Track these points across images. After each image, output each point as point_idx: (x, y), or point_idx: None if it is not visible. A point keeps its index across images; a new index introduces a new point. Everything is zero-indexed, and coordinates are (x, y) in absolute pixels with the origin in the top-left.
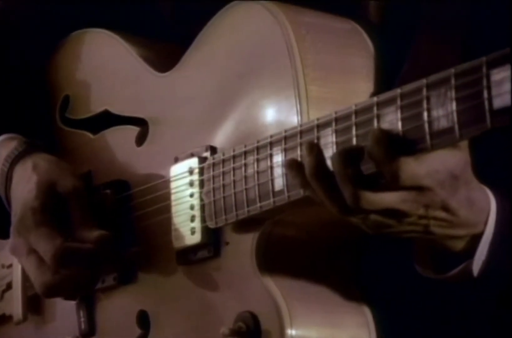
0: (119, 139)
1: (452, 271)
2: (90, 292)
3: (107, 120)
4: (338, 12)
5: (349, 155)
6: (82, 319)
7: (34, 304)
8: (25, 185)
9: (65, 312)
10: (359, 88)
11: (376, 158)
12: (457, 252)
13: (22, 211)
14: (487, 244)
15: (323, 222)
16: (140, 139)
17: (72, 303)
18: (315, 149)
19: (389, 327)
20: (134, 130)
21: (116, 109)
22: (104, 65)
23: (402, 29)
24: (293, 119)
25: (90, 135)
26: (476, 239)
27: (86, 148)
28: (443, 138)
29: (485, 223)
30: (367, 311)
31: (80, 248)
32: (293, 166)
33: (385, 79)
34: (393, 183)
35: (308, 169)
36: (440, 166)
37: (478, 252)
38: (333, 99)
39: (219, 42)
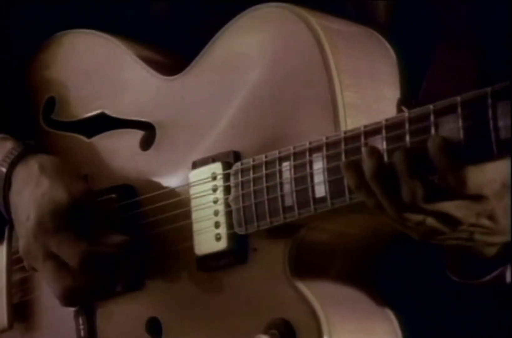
0: (121, 143)
1: (486, 277)
2: (109, 297)
3: (103, 123)
4: (345, 12)
5: (413, 155)
6: (82, 326)
7: (21, 312)
8: (34, 189)
9: (60, 319)
10: (388, 95)
11: (441, 165)
12: (488, 258)
13: (38, 215)
14: None
15: (357, 229)
16: (146, 143)
17: (69, 310)
18: (376, 152)
19: (410, 334)
20: (137, 133)
21: (114, 112)
22: (97, 66)
23: (411, 28)
24: (329, 127)
25: (84, 139)
26: (506, 245)
27: (80, 152)
28: (510, 148)
29: None
30: (393, 318)
31: (105, 252)
32: (350, 166)
33: (407, 85)
34: (457, 191)
35: (369, 170)
36: (496, 175)
37: None
38: (366, 105)
39: (238, 47)
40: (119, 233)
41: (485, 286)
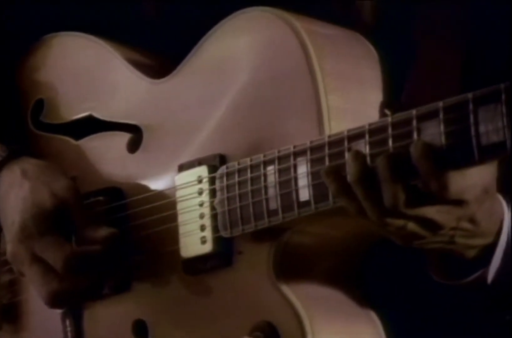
0: (108, 145)
1: (467, 278)
2: (96, 298)
3: (91, 125)
4: (331, 12)
5: (395, 160)
6: (69, 329)
7: (9, 313)
8: (17, 193)
9: (47, 321)
10: (371, 99)
11: (423, 170)
12: (468, 259)
13: (21, 220)
14: (501, 253)
15: (341, 232)
16: (133, 146)
17: (56, 312)
18: (360, 156)
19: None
20: (124, 136)
21: (102, 115)
22: (86, 69)
23: (397, 29)
24: (313, 130)
25: (72, 141)
26: (487, 247)
27: (68, 154)
28: (493, 153)
29: (498, 232)
30: (377, 320)
31: (89, 251)
32: (330, 172)
33: (390, 88)
34: (439, 196)
35: (353, 174)
36: (477, 180)
37: (494, 261)
38: (351, 109)
39: (225, 50)
40: (105, 227)
41: (466, 287)
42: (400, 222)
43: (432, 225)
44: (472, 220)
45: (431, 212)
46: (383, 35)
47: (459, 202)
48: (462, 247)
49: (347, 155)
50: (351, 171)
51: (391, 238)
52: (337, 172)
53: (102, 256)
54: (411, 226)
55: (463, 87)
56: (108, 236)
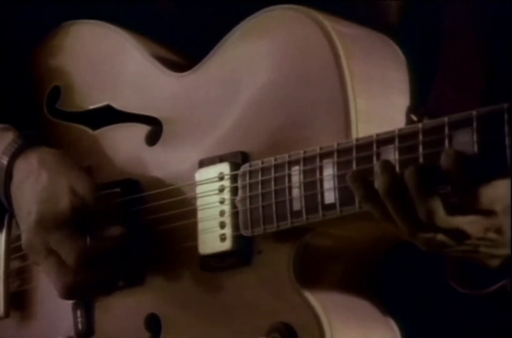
0: (126, 137)
1: (490, 288)
2: (109, 293)
3: (109, 115)
4: (354, 12)
5: (426, 173)
6: (80, 319)
7: (18, 301)
8: (34, 183)
9: (56, 310)
10: (398, 103)
11: (455, 179)
12: (491, 269)
13: (38, 211)
14: None
15: (364, 235)
16: (151, 139)
17: (66, 302)
18: (389, 167)
19: None
20: (143, 128)
21: (120, 105)
22: (104, 58)
23: (422, 30)
24: (340, 133)
25: (89, 130)
26: (510, 257)
27: (84, 143)
28: None
29: None
30: (394, 326)
31: (102, 247)
32: (357, 178)
33: (417, 92)
34: (470, 205)
35: (383, 187)
36: (506, 191)
37: None
38: (378, 112)
39: (250, 47)
40: (118, 226)
41: (488, 297)
42: (430, 233)
43: (460, 236)
44: (498, 231)
45: (463, 223)
46: (408, 36)
47: (489, 213)
48: (485, 256)
49: (375, 160)
50: (380, 183)
51: (416, 243)
52: (364, 177)
53: (115, 253)
54: (440, 236)
55: (487, 93)
56: (119, 235)
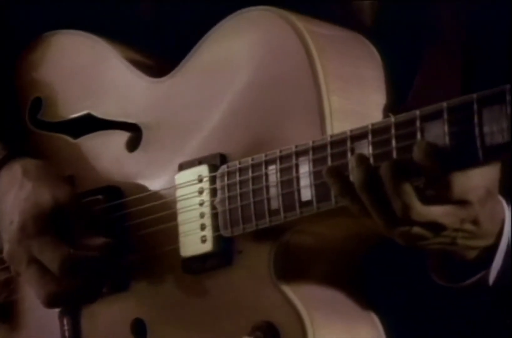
0: (106, 144)
1: (468, 280)
2: (93, 301)
3: (89, 124)
4: (329, 12)
5: (400, 167)
6: (66, 327)
7: (5, 312)
8: (17, 193)
9: (44, 320)
10: (373, 100)
11: (428, 171)
12: (469, 260)
13: (21, 220)
14: (502, 254)
15: (343, 232)
16: (132, 145)
17: (53, 311)
18: (365, 161)
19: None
20: (123, 135)
21: (100, 113)
22: (84, 67)
23: (396, 29)
24: (315, 131)
25: (70, 139)
26: (487, 249)
27: (66, 152)
28: (497, 154)
29: (499, 233)
30: (378, 322)
31: (86, 256)
32: (333, 173)
33: (394, 89)
34: (443, 196)
35: (358, 180)
36: (480, 181)
37: (495, 262)
38: (353, 110)
39: (226, 50)
40: (101, 236)
41: (468, 289)
42: (406, 227)
43: (435, 227)
44: (474, 222)
45: (439, 215)
46: (382, 36)
47: (463, 203)
48: (463, 248)
49: (349, 155)
50: (356, 177)
51: (394, 238)
52: (340, 172)
53: (98, 261)
54: (416, 229)
55: (465, 90)
56: (103, 246)
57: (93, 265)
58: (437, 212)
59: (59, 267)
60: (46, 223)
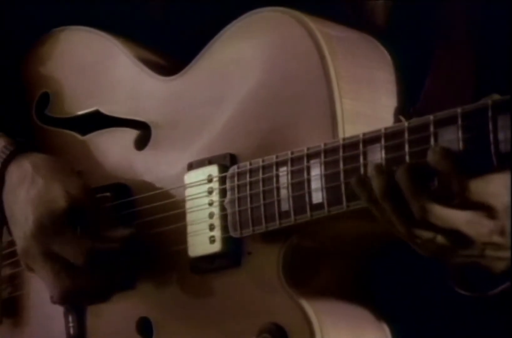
0: (115, 142)
1: (494, 290)
2: (108, 298)
3: (98, 121)
4: (341, 13)
5: (416, 171)
6: (71, 324)
7: (10, 307)
8: (28, 189)
9: (48, 316)
10: (385, 103)
11: (444, 172)
12: (497, 272)
13: (36, 216)
14: None
15: (353, 235)
16: (140, 143)
17: (58, 307)
18: (384, 170)
19: None
20: (131, 132)
21: (109, 110)
22: (93, 64)
23: (409, 31)
24: (327, 133)
25: (78, 136)
26: None
27: (74, 149)
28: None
29: None
30: (385, 327)
31: (109, 248)
32: (360, 183)
33: (405, 93)
34: (461, 198)
35: (379, 191)
36: (503, 189)
37: None
38: (365, 113)
39: (237, 50)
40: (123, 227)
41: (491, 299)
42: (429, 234)
43: (462, 239)
44: (502, 232)
45: (461, 223)
46: (394, 36)
47: (484, 208)
48: (491, 260)
49: (361, 159)
50: (376, 187)
51: (419, 250)
52: (366, 182)
53: (119, 254)
54: (441, 239)
55: (477, 94)
56: (128, 235)
57: (114, 258)
58: (460, 219)
59: (85, 260)
60: (62, 219)
